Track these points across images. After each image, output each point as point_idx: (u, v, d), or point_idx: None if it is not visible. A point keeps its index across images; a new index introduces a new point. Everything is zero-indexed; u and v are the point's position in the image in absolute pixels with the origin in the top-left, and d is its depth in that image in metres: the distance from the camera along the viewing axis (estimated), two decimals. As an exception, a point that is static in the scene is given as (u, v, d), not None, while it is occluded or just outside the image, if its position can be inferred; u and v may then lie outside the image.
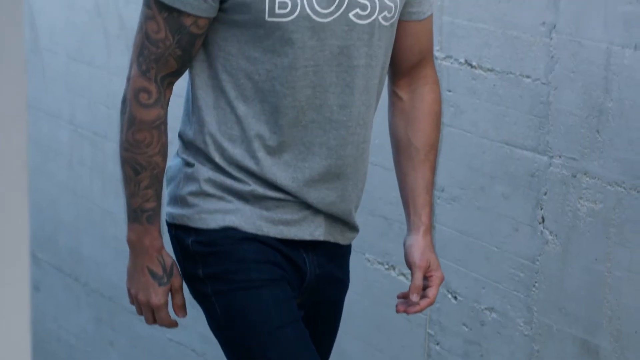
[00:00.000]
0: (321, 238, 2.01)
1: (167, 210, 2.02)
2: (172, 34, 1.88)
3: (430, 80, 2.10)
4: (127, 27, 3.79)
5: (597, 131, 2.40)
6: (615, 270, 2.37)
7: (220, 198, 1.96)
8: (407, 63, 2.07)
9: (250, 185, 1.96)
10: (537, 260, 2.54)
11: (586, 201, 2.43)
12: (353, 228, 2.08)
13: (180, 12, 1.87)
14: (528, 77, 2.53)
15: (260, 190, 1.96)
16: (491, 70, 2.61)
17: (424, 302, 1.99)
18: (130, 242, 1.99)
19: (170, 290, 1.99)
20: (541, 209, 2.53)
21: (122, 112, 1.94)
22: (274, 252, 1.98)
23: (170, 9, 1.87)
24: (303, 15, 1.87)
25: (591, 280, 2.42)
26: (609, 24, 2.34)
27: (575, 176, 2.45)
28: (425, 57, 2.09)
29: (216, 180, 1.96)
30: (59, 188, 4.25)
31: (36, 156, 4.32)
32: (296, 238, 2.00)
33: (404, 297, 2.02)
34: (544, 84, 2.49)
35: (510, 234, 2.60)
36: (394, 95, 2.10)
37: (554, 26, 2.45)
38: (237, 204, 1.96)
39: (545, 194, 2.52)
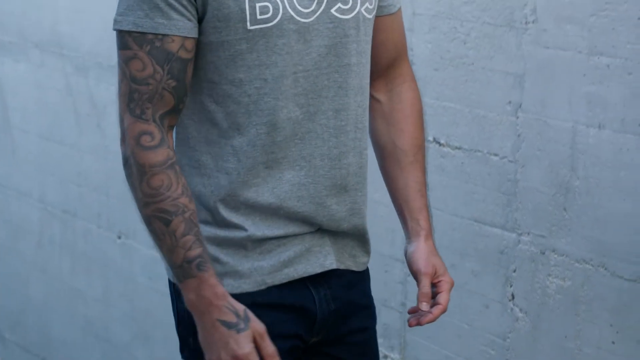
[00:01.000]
0: (333, 266, 1.86)
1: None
2: (160, 66, 1.73)
3: (407, 78, 1.99)
4: (98, 106, 3.81)
5: (565, 209, 2.42)
6: (585, 347, 2.38)
7: (215, 260, 1.79)
8: (382, 61, 1.94)
9: (246, 229, 1.80)
10: (508, 337, 2.55)
11: (555, 278, 2.45)
12: (364, 249, 1.92)
13: (164, 38, 1.72)
14: (495, 155, 2.56)
15: (259, 233, 1.80)
16: (459, 148, 2.64)
17: (436, 310, 1.85)
18: (190, 304, 1.74)
19: (254, 339, 1.74)
20: (511, 286, 2.54)
21: (129, 174, 1.76)
22: (274, 315, 1.81)
23: (151, 40, 1.72)
24: (287, 17, 1.76)
25: (561, 358, 2.43)
26: (573, 103, 2.39)
27: (543, 253, 2.47)
28: (400, 54, 1.98)
29: (209, 235, 1.80)
30: (28, 267, 4.22)
31: (5, 235, 4.30)
32: (306, 274, 1.83)
33: (414, 311, 1.88)
34: (511, 161, 2.52)
35: (480, 310, 2.61)
36: (371, 99, 1.95)
37: (520, 105, 2.49)
38: (233, 263, 1.81)
39: (514, 271, 2.53)
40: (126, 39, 1.73)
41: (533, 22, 2.44)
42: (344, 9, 1.80)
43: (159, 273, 3.69)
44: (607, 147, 2.33)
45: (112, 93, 3.77)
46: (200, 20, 1.75)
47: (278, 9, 1.75)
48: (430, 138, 2.69)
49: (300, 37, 1.77)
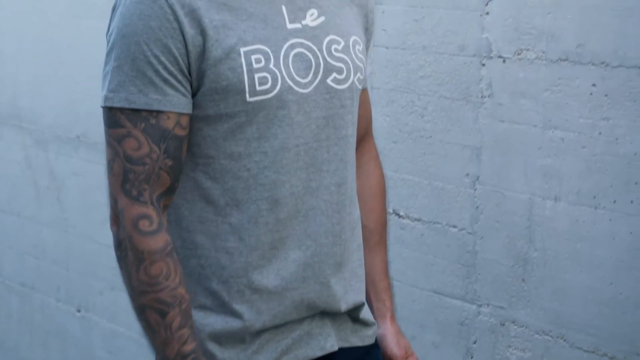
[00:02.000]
0: (334, 348, 1.78)
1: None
2: (156, 144, 1.64)
3: (373, 154, 1.96)
4: (57, 179, 3.80)
5: (523, 280, 2.44)
6: (546, 418, 2.39)
7: (211, 357, 1.70)
8: (356, 136, 1.87)
9: (246, 319, 1.71)
10: (470, 409, 2.55)
11: (515, 349, 2.46)
12: (367, 322, 1.84)
13: (159, 115, 1.63)
14: (454, 226, 2.58)
15: (258, 324, 1.71)
16: (418, 220, 2.67)
17: None
18: None
19: None
20: (472, 358, 2.55)
21: (122, 257, 1.65)
22: None
23: (146, 117, 1.63)
24: (286, 88, 1.68)
25: None
26: (529, 176, 2.42)
27: (503, 324, 2.48)
28: (368, 129, 1.95)
29: (207, 330, 1.71)
30: (-14, 341, 4.16)
31: (-38, 309, 4.24)
32: (307, 359, 1.75)
33: None
34: (470, 233, 2.55)
35: (442, 382, 2.61)
36: None
37: (478, 178, 2.53)
38: (230, 358, 1.71)
39: (474, 342, 2.54)
40: (118, 117, 1.64)
41: (489, 96, 2.48)
42: (339, 79, 1.75)
43: (119, 347, 3.65)
44: (564, 219, 2.37)
45: (72, 166, 3.77)
46: (194, 94, 1.68)
47: (277, 80, 1.68)
48: (390, 210, 2.71)
49: (299, 108, 1.71)
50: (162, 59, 1.64)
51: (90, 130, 3.68)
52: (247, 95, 1.67)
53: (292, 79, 1.70)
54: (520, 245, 2.44)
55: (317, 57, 1.72)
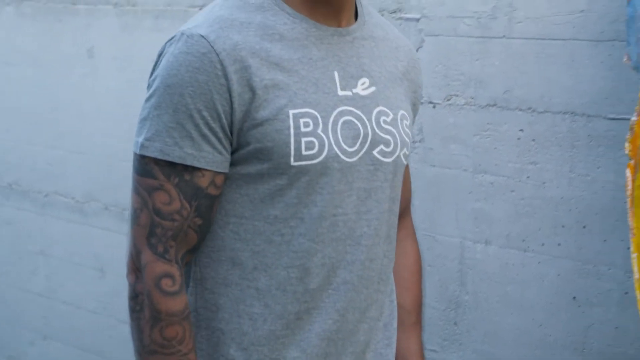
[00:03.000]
0: None
1: None
2: (188, 201, 1.56)
3: (410, 231, 1.88)
4: (-13, 227, 3.73)
5: (455, 323, 2.46)
6: None
7: None
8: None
9: None
10: None
11: (448, 392, 2.47)
12: None
13: (194, 171, 1.55)
14: (387, 271, 2.60)
15: None
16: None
17: None
18: None
19: None
20: (405, 402, 2.56)
21: (137, 310, 1.58)
22: None
23: (181, 172, 1.55)
24: (332, 155, 1.60)
25: None
26: (460, 220, 2.45)
27: (436, 368, 2.49)
28: (408, 206, 1.88)
29: None
30: None
31: None
32: None
33: None
34: (402, 277, 2.56)
35: None
36: None
37: (410, 222, 2.55)
38: None
39: (408, 386, 2.55)
40: (151, 167, 1.56)
41: (420, 141, 2.52)
42: (386, 152, 1.66)
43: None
44: (494, 262, 2.40)
45: (3, 214, 3.72)
46: (235, 151, 1.59)
47: (324, 146, 1.59)
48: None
49: (343, 177, 1.62)
50: (205, 114, 1.55)
51: (21, 179, 3.64)
52: (292, 159, 1.58)
53: (339, 147, 1.61)
54: (452, 288, 2.47)
55: (366, 127, 1.64)
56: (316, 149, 1.59)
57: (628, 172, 2.03)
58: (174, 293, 1.56)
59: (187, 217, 1.56)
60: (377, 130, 1.65)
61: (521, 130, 2.34)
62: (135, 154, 1.58)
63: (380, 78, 1.68)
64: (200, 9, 3.04)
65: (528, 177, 2.34)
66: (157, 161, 1.55)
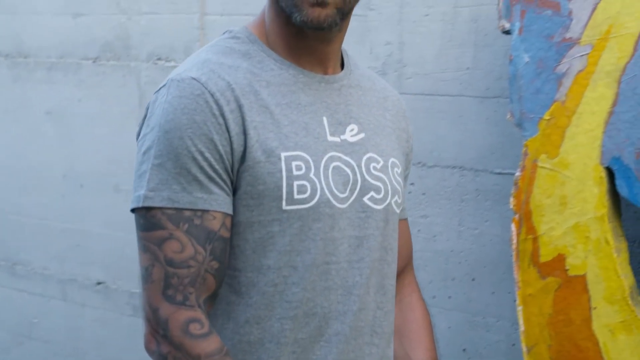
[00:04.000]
0: None
1: None
2: (202, 246, 1.50)
3: (415, 287, 1.81)
4: None
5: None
6: None
7: None
8: (396, 266, 1.73)
9: None
10: None
11: None
12: None
13: (204, 214, 1.50)
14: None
15: None
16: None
17: None
18: None
19: None
20: None
21: None
22: None
23: (190, 217, 1.49)
24: (324, 200, 1.55)
25: None
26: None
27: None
28: (409, 262, 1.82)
29: None
30: None
31: None
32: None
33: None
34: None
35: None
36: None
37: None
38: None
39: None
40: (158, 218, 1.49)
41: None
42: (376, 198, 1.62)
43: None
44: (386, 315, 2.41)
45: None
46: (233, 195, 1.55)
47: (316, 190, 1.55)
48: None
49: (334, 224, 1.57)
50: (207, 155, 1.50)
51: None
52: (284, 202, 1.53)
53: (331, 192, 1.56)
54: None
55: (356, 174, 1.59)
56: (308, 193, 1.54)
57: (513, 227, 2.07)
58: (206, 335, 1.48)
59: (202, 261, 1.50)
60: (367, 177, 1.60)
61: (412, 184, 2.38)
62: (137, 211, 1.51)
63: (369, 125, 1.65)
64: (94, 61, 3.03)
65: (419, 230, 2.37)
66: (164, 211, 1.49)
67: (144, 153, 1.52)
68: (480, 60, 2.27)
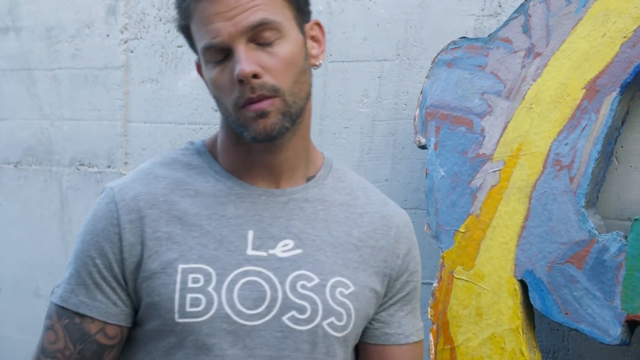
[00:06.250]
0: None
1: None
2: (72, 343, 1.56)
3: None
4: None
5: None
6: None
7: None
8: None
9: None
10: None
11: None
12: None
13: (84, 317, 1.56)
14: None
15: None
16: None
17: None
18: None
19: None
20: None
21: None
22: None
23: (72, 316, 1.56)
24: (221, 315, 1.51)
25: None
26: None
27: None
28: None
29: None
30: None
31: None
32: None
33: None
34: None
35: None
36: None
37: None
38: None
39: None
40: (52, 310, 1.59)
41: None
42: (299, 319, 1.54)
43: None
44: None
45: None
46: (138, 308, 1.57)
47: (212, 304, 1.52)
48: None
49: (237, 341, 1.52)
50: (98, 261, 1.56)
51: None
52: (176, 315, 1.52)
53: (233, 307, 1.52)
54: None
55: (276, 291, 1.54)
56: (202, 307, 1.52)
57: (431, 337, 2.11)
58: None
59: (69, 356, 1.56)
60: (289, 295, 1.54)
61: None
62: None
63: (315, 242, 1.58)
64: (15, 166, 3.02)
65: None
66: (57, 306, 1.58)
67: None
68: (398, 172, 2.33)
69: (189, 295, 1.52)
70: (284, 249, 1.56)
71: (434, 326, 2.10)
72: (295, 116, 1.53)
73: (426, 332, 2.27)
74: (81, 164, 2.89)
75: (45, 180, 2.96)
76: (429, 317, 2.11)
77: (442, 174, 2.11)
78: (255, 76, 1.49)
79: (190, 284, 1.52)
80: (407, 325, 1.65)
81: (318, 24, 1.59)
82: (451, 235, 2.09)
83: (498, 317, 2.04)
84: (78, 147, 2.89)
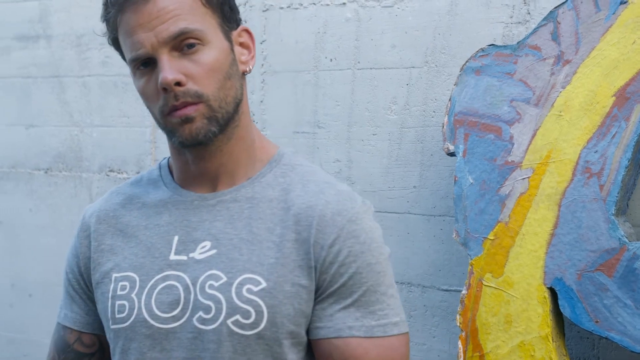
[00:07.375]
0: None
1: None
2: (57, 354, 1.70)
3: None
4: None
5: None
6: None
7: None
8: None
9: None
10: None
11: None
12: None
13: (65, 328, 1.70)
14: None
15: None
16: None
17: None
18: None
19: None
20: None
21: None
22: None
23: (59, 329, 1.72)
24: (139, 320, 1.55)
25: None
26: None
27: None
28: None
29: None
30: None
31: None
32: None
33: None
34: None
35: None
36: None
37: None
38: None
39: None
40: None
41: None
42: (204, 319, 1.53)
43: None
44: None
45: None
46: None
47: (133, 309, 1.56)
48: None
49: (155, 344, 1.55)
50: (70, 276, 1.69)
51: None
52: (110, 321, 1.59)
53: (150, 312, 1.55)
54: None
55: (189, 293, 1.54)
56: (126, 313, 1.57)
57: (460, 344, 2.11)
58: None
59: None
60: (198, 296, 1.54)
61: (360, 298, 2.40)
62: None
63: (232, 241, 1.55)
64: (46, 172, 3.05)
65: (368, 344, 2.39)
66: (56, 321, 1.73)
67: None
68: (426, 179, 2.33)
69: (117, 302, 1.60)
70: (201, 250, 1.56)
71: (463, 333, 2.10)
72: (223, 120, 1.55)
73: (455, 339, 2.27)
74: (111, 170, 2.90)
75: (75, 187, 2.98)
76: (458, 324, 2.10)
77: (471, 181, 2.10)
78: (178, 84, 1.51)
79: (119, 292, 1.60)
80: (344, 319, 1.53)
81: (247, 31, 1.62)
82: (480, 242, 2.09)
83: (527, 324, 2.03)
84: (108, 154, 2.91)
